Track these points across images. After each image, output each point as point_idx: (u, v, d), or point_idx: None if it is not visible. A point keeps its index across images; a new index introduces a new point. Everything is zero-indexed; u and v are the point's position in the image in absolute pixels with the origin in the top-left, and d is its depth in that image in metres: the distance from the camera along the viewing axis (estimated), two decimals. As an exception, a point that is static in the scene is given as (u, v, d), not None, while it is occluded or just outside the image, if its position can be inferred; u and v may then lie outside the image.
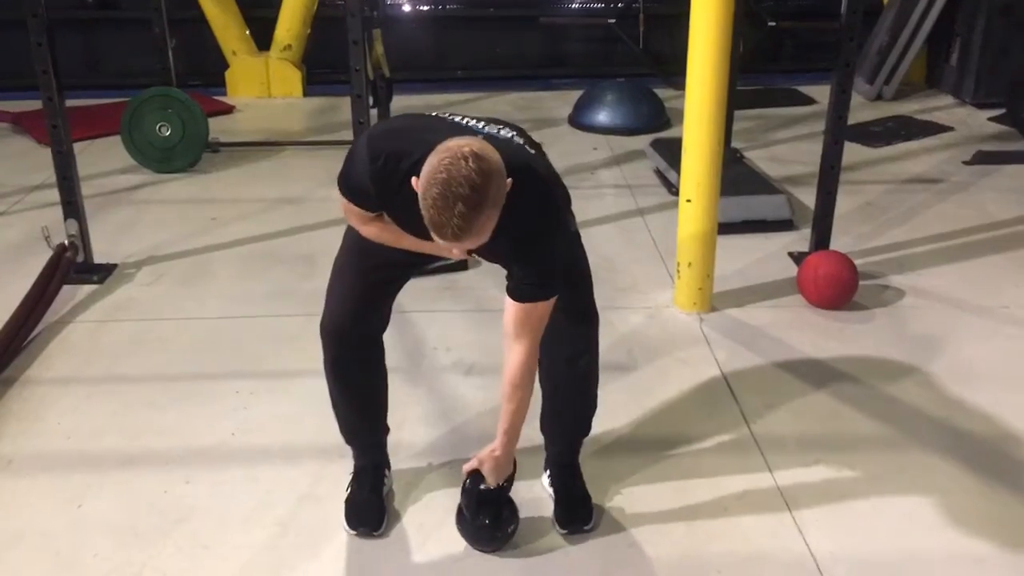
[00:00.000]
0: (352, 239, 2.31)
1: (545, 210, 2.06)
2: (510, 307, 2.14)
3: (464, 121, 2.12)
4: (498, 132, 2.13)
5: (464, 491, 2.34)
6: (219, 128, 5.91)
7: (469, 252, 2.14)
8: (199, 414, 2.99)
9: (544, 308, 2.13)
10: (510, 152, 2.00)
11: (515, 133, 2.17)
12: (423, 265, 2.37)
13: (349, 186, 2.13)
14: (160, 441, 2.85)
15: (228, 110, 6.72)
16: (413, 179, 1.88)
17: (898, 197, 4.91)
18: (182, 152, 5.38)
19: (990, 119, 6.41)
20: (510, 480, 2.37)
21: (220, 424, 2.93)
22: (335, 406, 2.49)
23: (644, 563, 2.35)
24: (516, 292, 2.12)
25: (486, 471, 2.28)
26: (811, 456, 2.74)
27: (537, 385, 2.48)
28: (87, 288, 3.87)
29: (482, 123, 2.13)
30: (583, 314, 2.34)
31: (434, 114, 2.22)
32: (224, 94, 7.16)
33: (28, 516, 2.52)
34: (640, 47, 7.50)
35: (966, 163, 5.48)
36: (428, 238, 2.08)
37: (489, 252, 2.11)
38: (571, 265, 2.27)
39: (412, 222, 2.09)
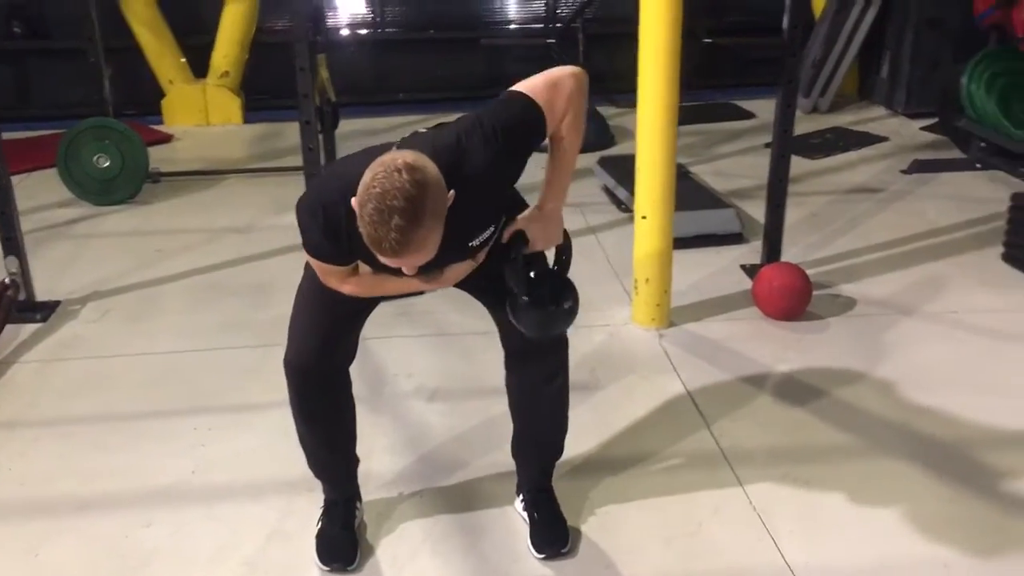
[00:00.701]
0: (314, 274, 2.25)
1: (486, 139, 1.95)
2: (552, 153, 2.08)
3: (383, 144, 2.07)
4: (412, 134, 2.07)
5: (509, 264, 1.99)
6: (158, 158, 5.79)
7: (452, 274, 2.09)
8: (156, 453, 2.89)
9: (551, 91, 2.04)
10: (436, 136, 1.97)
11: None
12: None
13: (313, 250, 2.05)
14: (116, 483, 2.75)
15: (166, 139, 6.59)
16: (353, 200, 1.81)
17: (842, 207, 5.01)
18: (122, 184, 5.26)
19: (922, 128, 6.60)
20: (567, 254, 2.06)
21: (179, 463, 2.84)
22: (303, 441, 2.42)
23: (623, 584, 2.33)
24: (535, 139, 2.03)
25: (533, 232, 2.03)
26: (780, 468, 2.76)
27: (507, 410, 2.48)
28: (30, 327, 3.73)
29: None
30: (554, 336, 2.32)
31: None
32: (161, 123, 7.03)
33: (-19, 569, 2.42)
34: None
35: (904, 172, 5.61)
36: (401, 272, 2.05)
37: (477, 226, 2.01)
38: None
39: (378, 260, 2.05)
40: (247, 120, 7.16)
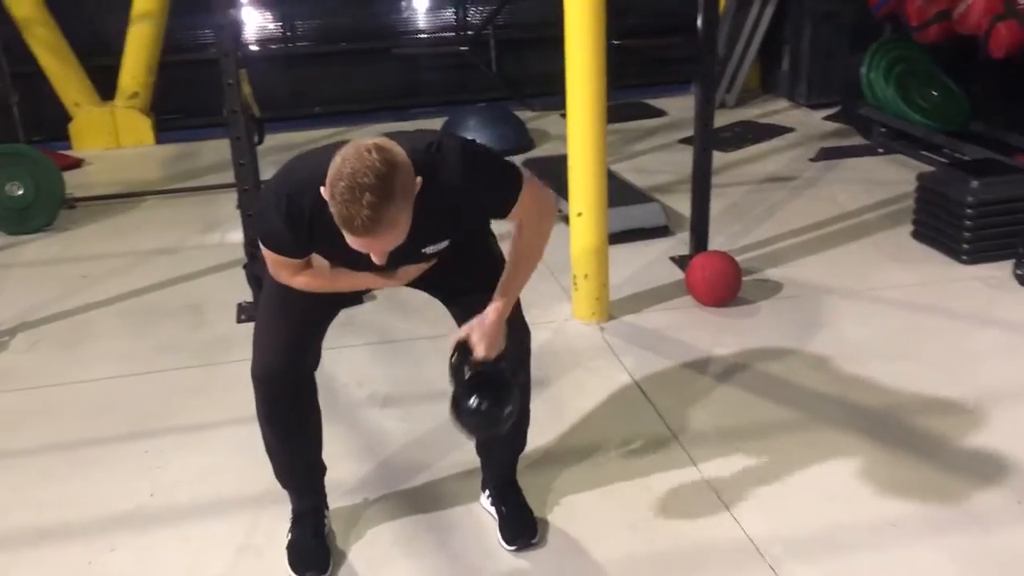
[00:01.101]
0: (277, 283, 2.27)
1: (463, 161, 2.02)
2: (514, 228, 2.17)
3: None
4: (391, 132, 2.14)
5: (452, 368, 2.06)
6: (71, 183, 5.64)
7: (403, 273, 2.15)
8: (110, 479, 2.85)
9: (530, 192, 2.10)
10: (415, 136, 2.01)
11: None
12: (353, 301, 2.35)
13: (270, 240, 2.08)
14: (73, 512, 2.70)
15: (76, 164, 6.43)
16: (321, 188, 1.84)
17: (758, 196, 5.21)
18: (37, 211, 5.12)
19: (825, 118, 6.89)
20: (503, 358, 2.12)
21: (135, 486, 2.81)
22: (270, 451, 2.43)
23: (595, 568, 2.40)
24: (501, 209, 2.10)
25: (476, 339, 2.08)
26: (730, 446, 2.87)
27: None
28: (-42, 362, 3.63)
29: None
30: (517, 329, 2.38)
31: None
32: (69, 147, 6.85)
33: (-59, 609, 2.35)
34: (494, 72, 7.66)
35: (812, 160, 5.86)
36: (358, 266, 2.09)
37: (426, 236, 2.06)
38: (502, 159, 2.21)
39: (337, 252, 2.08)
40: (159, 141, 7.04)
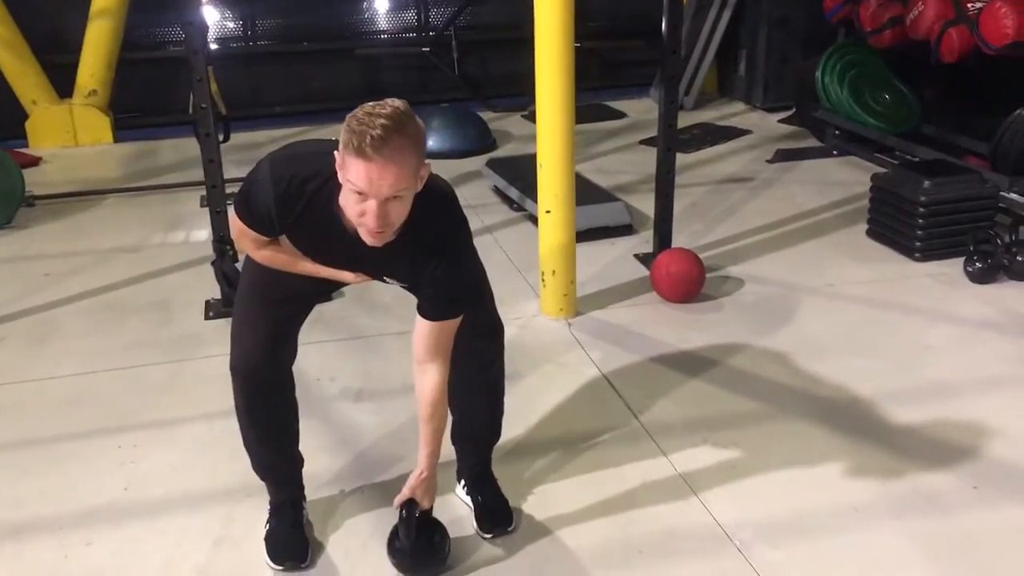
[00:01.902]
0: (254, 276, 2.29)
1: (452, 223, 2.15)
2: (422, 328, 2.21)
3: None
4: None
5: (402, 521, 2.34)
6: (29, 181, 5.56)
7: (371, 276, 2.21)
8: (84, 474, 2.84)
9: (454, 325, 2.22)
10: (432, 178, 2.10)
11: None
12: (329, 292, 2.39)
13: (249, 211, 2.11)
14: (47, 507, 2.69)
15: (34, 162, 6.35)
16: (336, 153, 1.92)
17: (718, 196, 5.32)
18: (-4, 209, 5.06)
19: (780, 121, 7.04)
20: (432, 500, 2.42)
21: (109, 481, 2.81)
22: (248, 444, 2.45)
23: (569, 554, 2.46)
24: (430, 311, 2.19)
25: (419, 495, 2.32)
26: (698, 437, 2.95)
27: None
28: (-79, 360, 3.58)
29: None
30: (489, 327, 2.44)
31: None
32: (25, 145, 6.75)
33: (-85, 604, 2.34)
34: (455, 73, 7.70)
35: (769, 161, 6.00)
36: (328, 260, 2.15)
37: (396, 267, 2.16)
38: (478, 281, 2.36)
39: (313, 245, 2.13)
40: (117, 139, 6.97)
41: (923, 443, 2.90)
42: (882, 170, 5.16)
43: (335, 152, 1.93)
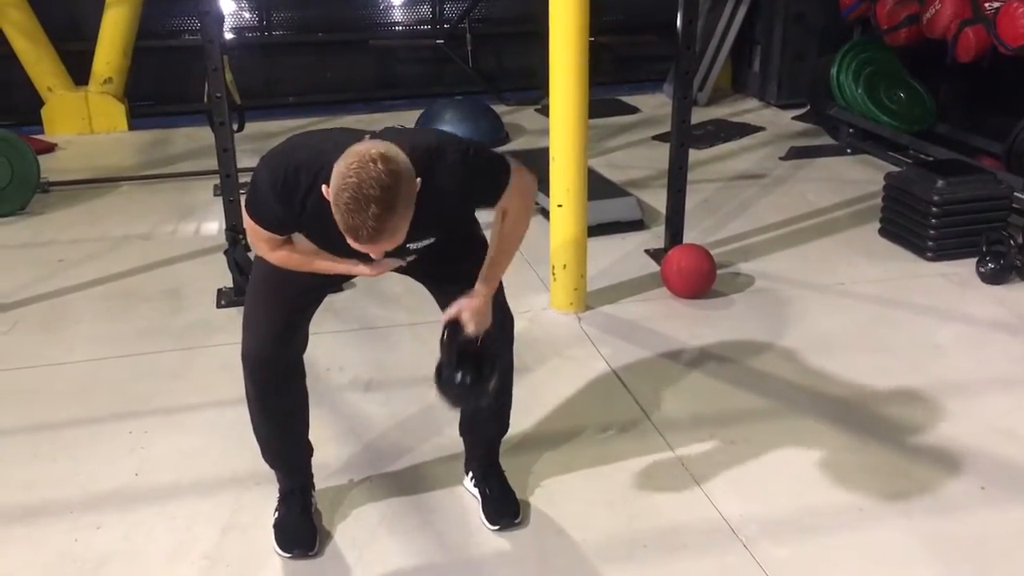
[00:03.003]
0: (267, 266, 2.30)
1: (452, 169, 2.07)
2: (497, 212, 2.23)
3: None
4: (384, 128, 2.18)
5: (443, 345, 2.16)
6: (44, 167, 5.58)
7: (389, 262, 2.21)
8: (94, 458, 2.87)
9: (517, 182, 2.18)
10: (415, 134, 2.10)
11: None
12: (340, 283, 2.40)
13: (257, 212, 2.12)
14: (58, 490, 2.72)
15: (50, 148, 6.38)
16: (324, 186, 1.90)
17: (730, 193, 5.31)
18: (11, 195, 5.09)
19: (794, 118, 7.02)
20: (488, 335, 2.23)
21: (120, 465, 2.83)
22: (259, 432, 2.47)
23: (575, 547, 2.47)
24: (490, 202, 2.18)
25: (466, 319, 2.16)
26: (705, 432, 2.96)
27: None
28: (-65, 343, 3.62)
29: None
30: (500, 315, 2.44)
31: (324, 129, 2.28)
32: (41, 132, 6.79)
33: (-72, 584, 2.37)
34: (470, 66, 7.70)
35: (782, 159, 5.98)
36: (342, 252, 2.13)
37: (415, 233, 2.07)
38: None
39: (324, 236, 2.13)
40: (131, 127, 7.00)
41: (931, 443, 2.90)
42: (896, 169, 5.15)
43: (322, 156, 1.93)
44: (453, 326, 2.15)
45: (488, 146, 2.26)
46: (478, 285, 2.21)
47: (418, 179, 1.92)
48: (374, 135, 2.05)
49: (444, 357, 2.17)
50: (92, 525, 2.57)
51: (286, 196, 2.04)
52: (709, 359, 3.43)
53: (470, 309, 2.16)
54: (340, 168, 1.84)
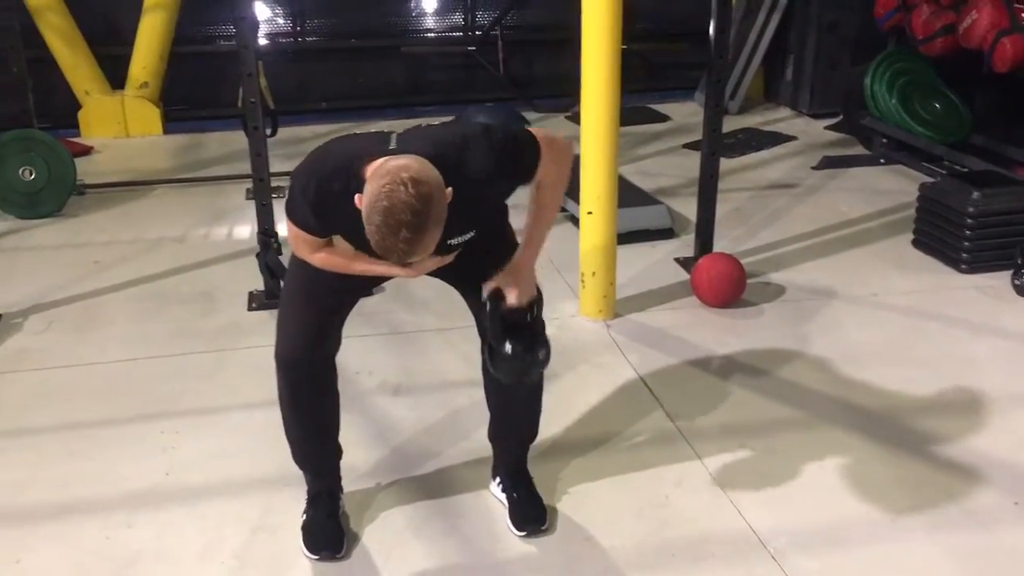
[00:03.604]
0: (299, 268, 2.33)
1: (488, 149, 2.08)
2: (533, 188, 2.23)
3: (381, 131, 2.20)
4: (410, 128, 2.19)
5: (488, 317, 2.12)
6: (80, 170, 5.66)
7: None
8: (126, 458, 2.90)
9: (547, 151, 2.16)
10: (439, 133, 2.11)
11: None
12: (371, 287, 2.42)
13: (296, 216, 2.15)
14: (91, 489, 2.75)
15: (86, 151, 6.47)
16: (357, 196, 1.92)
17: (761, 202, 5.28)
18: (48, 196, 5.17)
19: (827, 128, 6.97)
20: (539, 306, 2.19)
21: (151, 465, 2.86)
22: (290, 433, 2.49)
23: (603, 554, 2.47)
24: (526, 180, 2.18)
25: (508, 284, 2.14)
26: (734, 442, 2.94)
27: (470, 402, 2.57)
28: (-27, 341, 3.68)
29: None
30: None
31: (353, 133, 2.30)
32: (77, 134, 6.89)
33: (-37, 578, 2.40)
34: (500, 73, 7.72)
35: (814, 168, 5.94)
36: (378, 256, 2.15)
37: (452, 229, 2.08)
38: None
39: (360, 239, 2.14)
40: (166, 131, 7.08)
41: (963, 456, 2.86)
42: (930, 180, 5.09)
43: (354, 163, 1.97)
44: (495, 298, 2.11)
45: (510, 124, 2.24)
46: (521, 248, 2.20)
47: (449, 189, 1.93)
48: (401, 138, 2.06)
49: (491, 330, 2.12)
50: (124, 524, 2.60)
51: (319, 204, 2.07)
52: (738, 368, 3.41)
53: (512, 277, 2.15)
54: (373, 188, 1.87)
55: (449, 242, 2.15)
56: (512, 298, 2.13)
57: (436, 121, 2.38)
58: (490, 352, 2.18)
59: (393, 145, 2.05)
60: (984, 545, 2.48)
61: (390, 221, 1.84)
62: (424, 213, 1.85)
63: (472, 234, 2.19)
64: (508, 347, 2.11)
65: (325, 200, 2.06)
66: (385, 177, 1.87)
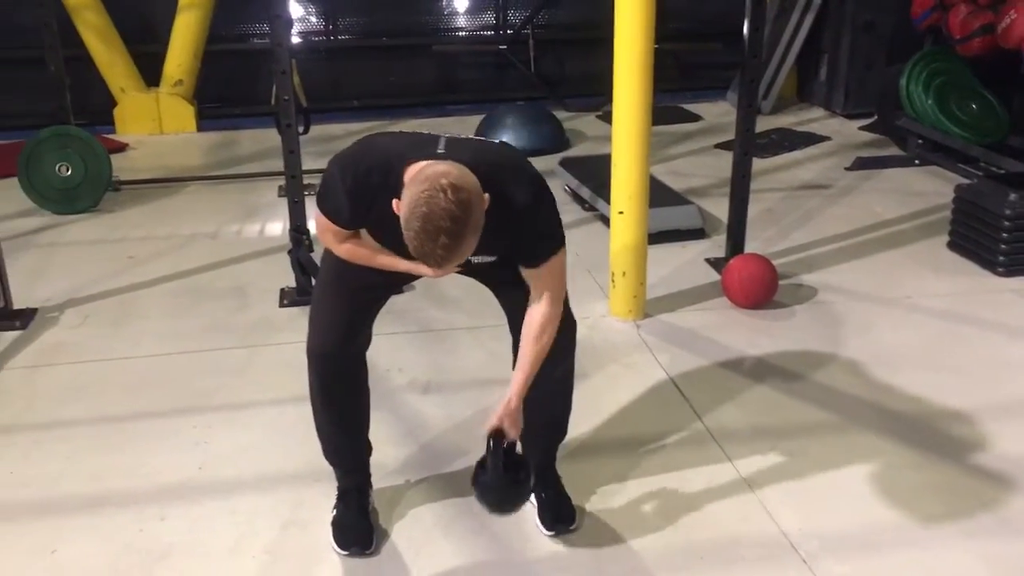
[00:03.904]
0: (332, 264, 2.35)
1: (527, 190, 2.12)
2: (528, 277, 2.23)
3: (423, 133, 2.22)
4: (459, 135, 2.20)
5: (491, 453, 2.24)
6: (115, 166, 5.73)
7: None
8: (159, 451, 2.94)
9: (560, 263, 2.21)
10: (482, 149, 2.12)
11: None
12: (402, 284, 2.43)
13: (326, 206, 2.18)
14: (124, 481, 2.79)
15: (121, 148, 6.56)
16: (395, 202, 1.95)
17: (794, 203, 5.24)
18: (84, 192, 5.23)
19: (861, 128, 6.90)
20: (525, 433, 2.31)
21: (184, 459, 2.89)
22: (320, 428, 2.51)
23: (632, 555, 2.46)
24: (528, 256, 2.19)
25: (507, 425, 2.23)
26: (765, 444, 2.92)
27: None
28: (10, 334, 3.73)
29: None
30: (563, 322, 2.44)
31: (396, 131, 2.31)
32: (113, 131, 6.98)
33: (0, 567, 2.44)
34: (532, 72, 7.72)
35: (848, 169, 5.88)
36: (406, 255, 2.16)
37: (479, 245, 2.08)
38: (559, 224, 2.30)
39: (391, 237, 2.15)
40: (200, 128, 7.16)
41: (998, 462, 2.82)
42: (966, 181, 5.03)
43: (394, 161, 1.99)
44: (497, 436, 2.24)
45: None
46: (513, 388, 2.26)
47: (487, 195, 1.94)
48: (447, 146, 2.07)
49: (491, 463, 2.25)
50: (156, 517, 2.62)
51: (356, 195, 2.09)
52: (769, 370, 3.39)
53: (510, 417, 2.22)
54: (412, 193, 1.88)
55: (471, 259, 2.13)
56: (512, 433, 2.24)
57: (467, 119, 2.39)
58: (478, 481, 2.30)
59: (441, 148, 2.06)
60: (1018, 553, 2.44)
61: (429, 227, 1.85)
62: (463, 220, 1.87)
63: (494, 259, 2.22)
64: (504, 480, 2.26)
65: (362, 190, 2.08)
66: (425, 183, 1.88)
